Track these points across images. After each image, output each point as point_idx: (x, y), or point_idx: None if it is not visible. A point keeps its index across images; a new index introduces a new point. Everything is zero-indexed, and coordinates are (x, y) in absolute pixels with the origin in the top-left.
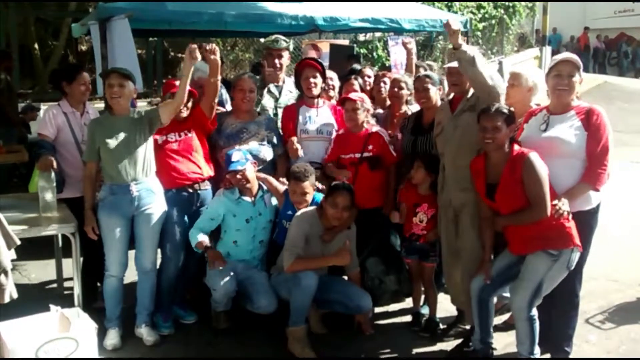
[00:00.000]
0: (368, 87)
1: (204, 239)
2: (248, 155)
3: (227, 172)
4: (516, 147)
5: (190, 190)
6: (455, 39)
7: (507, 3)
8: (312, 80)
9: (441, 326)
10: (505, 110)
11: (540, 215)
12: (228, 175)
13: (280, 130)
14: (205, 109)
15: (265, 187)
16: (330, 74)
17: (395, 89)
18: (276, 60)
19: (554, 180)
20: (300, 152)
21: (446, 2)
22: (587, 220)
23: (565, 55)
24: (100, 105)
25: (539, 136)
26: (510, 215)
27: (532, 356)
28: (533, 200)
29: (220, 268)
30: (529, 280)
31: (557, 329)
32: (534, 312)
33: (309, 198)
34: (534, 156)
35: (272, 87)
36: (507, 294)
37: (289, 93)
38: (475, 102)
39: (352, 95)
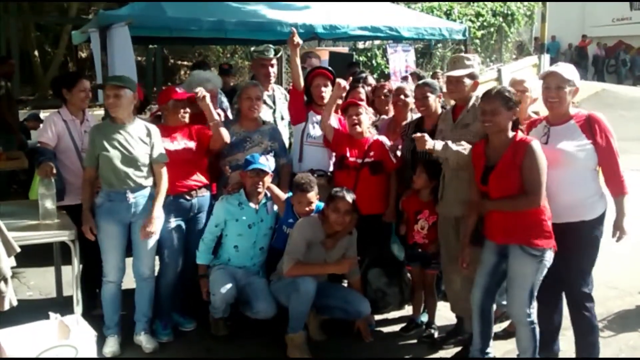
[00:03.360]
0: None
1: (206, 263)
2: (272, 165)
3: (249, 169)
4: (520, 134)
5: (188, 197)
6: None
7: (505, 11)
8: (323, 88)
9: (437, 335)
10: (506, 94)
11: (532, 204)
12: (248, 173)
13: (285, 138)
14: (213, 145)
15: (268, 195)
16: (343, 83)
17: (402, 97)
18: (269, 69)
19: (560, 191)
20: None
21: (445, 10)
22: (590, 230)
23: (552, 68)
24: (100, 112)
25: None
26: (501, 199)
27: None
28: (529, 188)
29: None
30: (521, 287)
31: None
32: (534, 316)
33: (313, 207)
34: (537, 144)
35: (266, 97)
36: (506, 302)
37: (281, 101)
38: (471, 121)
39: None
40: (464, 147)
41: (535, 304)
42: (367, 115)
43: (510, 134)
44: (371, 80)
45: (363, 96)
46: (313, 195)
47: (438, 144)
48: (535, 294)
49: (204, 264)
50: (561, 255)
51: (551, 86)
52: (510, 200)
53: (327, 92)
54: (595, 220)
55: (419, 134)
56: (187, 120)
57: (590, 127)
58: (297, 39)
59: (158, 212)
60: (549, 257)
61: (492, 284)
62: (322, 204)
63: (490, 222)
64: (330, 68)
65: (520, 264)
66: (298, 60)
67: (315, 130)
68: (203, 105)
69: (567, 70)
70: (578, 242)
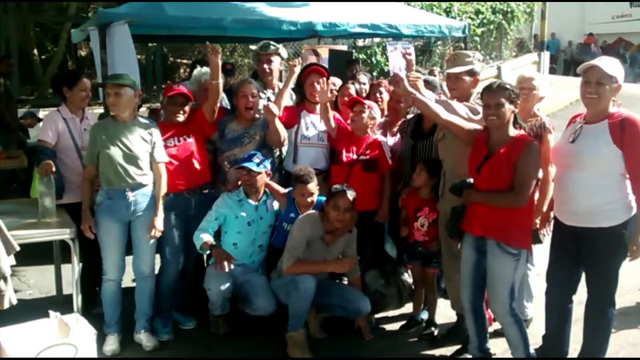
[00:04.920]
0: (364, 94)
1: (208, 238)
2: (267, 164)
3: (238, 166)
4: (521, 132)
5: (188, 195)
6: (403, 92)
7: (505, 9)
8: (317, 86)
9: (437, 332)
10: (508, 86)
11: (517, 203)
12: (238, 170)
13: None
14: (207, 112)
15: (269, 192)
16: (334, 80)
17: (396, 102)
18: (265, 65)
19: (578, 194)
20: (275, 110)
21: (445, 8)
22: (609, 238)
23: (594, 61)
24: (99, 110)
25: (566, 146)
26: (488, 192)
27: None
28: (518, 186)
29: (227, 270)
30: (502, 286)
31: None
32: (517, 312)
33: (314, 198)
34: (535, 145)
35: (271, 95)
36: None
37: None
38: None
39: (365, 101)
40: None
41: (530, 303)
42: (369, 116)
43: (512, 130)
44: (363, 79)
45: (352, 92)
46: (313, 186)
47: (418, 97)
48: (516, 293)
49: (207, 240)
50: (581, 258)
51: (591, 80)
52: (495, 195)
53: (332, 90)
54: (615, 227)
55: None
56: (182, 118)
57: (622, 130)
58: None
59: (161, 212)
60: (526, 257)
61: (477, 280)
62: (323, 197)
63: (472, 214)
64: (324, 65)
65: (498, 262)
66: (288, 92)
67: (309, 131)
68: (213, 60)
69: (609, 64)
70: (597, 249)
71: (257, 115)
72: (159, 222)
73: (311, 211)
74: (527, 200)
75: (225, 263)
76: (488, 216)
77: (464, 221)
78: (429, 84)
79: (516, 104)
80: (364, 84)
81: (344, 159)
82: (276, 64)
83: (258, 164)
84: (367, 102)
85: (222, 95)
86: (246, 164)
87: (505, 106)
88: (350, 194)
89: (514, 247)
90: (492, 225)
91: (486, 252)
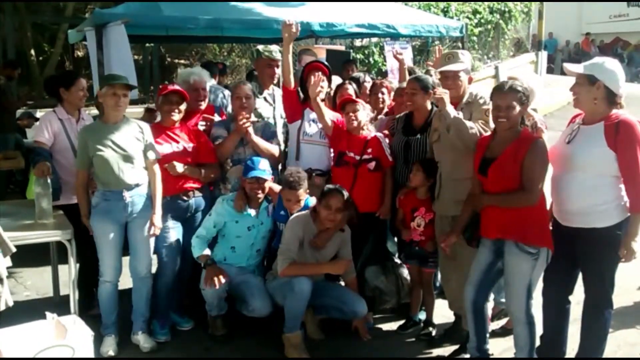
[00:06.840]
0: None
1: (206, 252)
2: (270, 169)
3: (247, 177)
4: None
5: (185, 198)
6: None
7: (503, 8)
8: (320, 83)
9: (434, 332)
10: (520, 88)
11: (529, 201)
12: (247, 180)
13: (278, 134)
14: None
15: (270, 198)
16: (334, 78)
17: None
18: (275, 69)
19: (571, 195)
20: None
21: (442, 8)
22: (603, 238)
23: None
24: (96, 111)
25: (562, 147)
26: (498, 194)
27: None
28: (527, 184)
29: (217, 288)
30: (518, 285)
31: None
32: (533, 314)
33: (301, 205)
34: (542, 142)
35: (266, 95)
36: (504, 299)
37: (280, 100)
38: (468, 118)
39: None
40: (472, 126)
41: (533, 301)
42: (364, 112)
43: (517, 129)
44: (368, 79)
45: (351, 92)
46: (302, 192)
47: (451, 110)
48: (533, 291)
49: (204, 254)
50: (577, 259)
51: (576, 81)
52: (506, 196)
53: (323, 86)
54: (609, 228)
55: (440, 91)
56: (177, 117)
57: (616, 132)
58: (294, 28)
59: (159, 209)
60: (546, 255)
61: (485, 281)
62: (309, 200)
63: (487, 218)
64: (325, 62)
65: (516, 261)
66: (290, 56)
67: (311, 128)
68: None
69: (581, 65)
70: (591, 249)
71: (255, 119)
72: (157, 219)
73: (302, 212)
74: (538, 198)
75: (217, 280)
76: (503, 218)
77: (481, 226)
78: (418, 82)
79: (526, 106)
80: (368, 82)
81: (349, 158)
82: (280, 69)
83: (265, 171)
84: (355, 99)
85: (219, 94)
86: (256, 174)
87: (516, 109)
88: (343, 194)
89: (532, 246)
90: (509, 226)
91: (503, 253)
